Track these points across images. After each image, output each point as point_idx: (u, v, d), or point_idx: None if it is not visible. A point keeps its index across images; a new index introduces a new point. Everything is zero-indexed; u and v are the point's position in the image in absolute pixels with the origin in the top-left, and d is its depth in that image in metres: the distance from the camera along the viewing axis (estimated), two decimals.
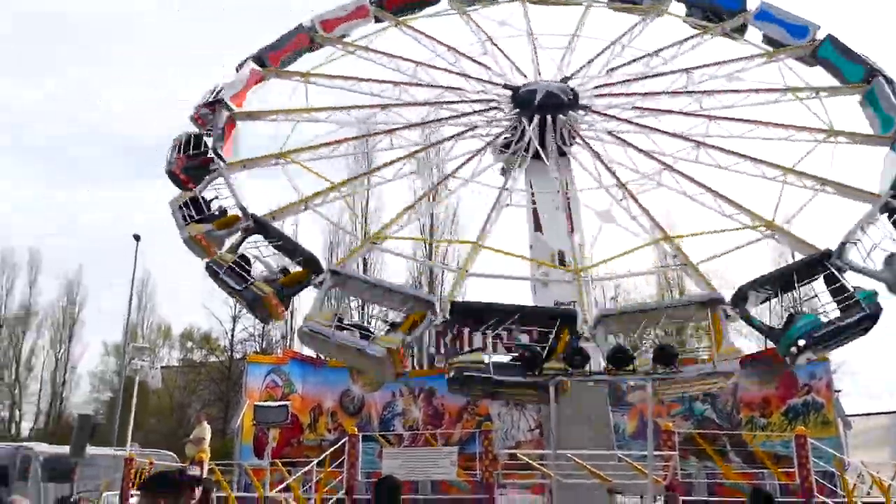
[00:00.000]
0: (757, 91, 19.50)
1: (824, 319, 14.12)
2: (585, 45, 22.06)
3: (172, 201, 16.70)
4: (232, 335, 45.23)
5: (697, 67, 20.32)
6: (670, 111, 19.85)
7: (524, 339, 14.15)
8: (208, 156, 17.39)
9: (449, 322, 14.66)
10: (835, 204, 17.04)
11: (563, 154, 19.50)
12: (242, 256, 15.75)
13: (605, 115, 19.90)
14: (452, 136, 20.32)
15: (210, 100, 18.88)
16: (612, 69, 21.16)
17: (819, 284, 14.84)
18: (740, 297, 14.71)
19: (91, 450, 19.58)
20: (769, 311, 20.13)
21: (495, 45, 21.99)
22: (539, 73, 21.58)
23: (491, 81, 21.10)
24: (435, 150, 23.29)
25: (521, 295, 21.58)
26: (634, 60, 21.17)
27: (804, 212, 16.61)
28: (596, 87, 20.65)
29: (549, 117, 19.39)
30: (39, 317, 52.47)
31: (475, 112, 20.49)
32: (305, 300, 19.23)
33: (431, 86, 20.90)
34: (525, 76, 21.40)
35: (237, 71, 20.11)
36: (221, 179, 16.96)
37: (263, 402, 21.61)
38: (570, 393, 13.31)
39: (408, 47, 21.96)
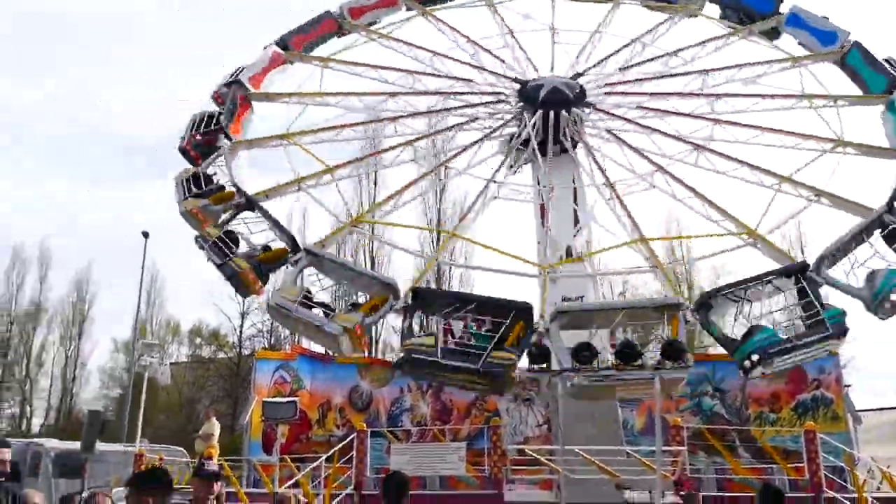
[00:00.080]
0: (772, 97, 19.24)
1: (783, 336, 14.01)
2: (609, 42, 21.93)
3: (177, 176, 17.29)
4: (240, 331, 45.37)
5: (715, 70, 20.07)
6: (675, 113, 19.64)
7: (475, 327, 14.37)
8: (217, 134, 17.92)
9: (409, 307, 14.89)
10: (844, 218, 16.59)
11: (565, 151, 19.43)
12: (231, 232, 16.37)
13: (609, 113, 19.78)
14: (452, 127, 20.35)
15: (230, 80, 19.33)
16: (626, 67, 20.99)
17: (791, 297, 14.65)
18: (702, 304, 14.68)
19: (101, 446, 19.63)
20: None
21: (515, 38, 21.94)
22: (553, 69, 21.46)
23: (502, 74, 21.03)
24: (437, 139, 23.32)
25: (531, 291, 21.47)
26: (652, 59, 21.02)
27: (817, 223, 16.48)
28: (606, 85, 20.51)
29: (551, 113, 19.29)
30: (49, 313, 52.73)
31: (482, 104, 20.44)
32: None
33: (443, 76, 20.90)
34: (538, 71, 21.29)
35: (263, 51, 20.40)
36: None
37: (272, 399, 21.56)
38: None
39: (431, 37, 22.13)
